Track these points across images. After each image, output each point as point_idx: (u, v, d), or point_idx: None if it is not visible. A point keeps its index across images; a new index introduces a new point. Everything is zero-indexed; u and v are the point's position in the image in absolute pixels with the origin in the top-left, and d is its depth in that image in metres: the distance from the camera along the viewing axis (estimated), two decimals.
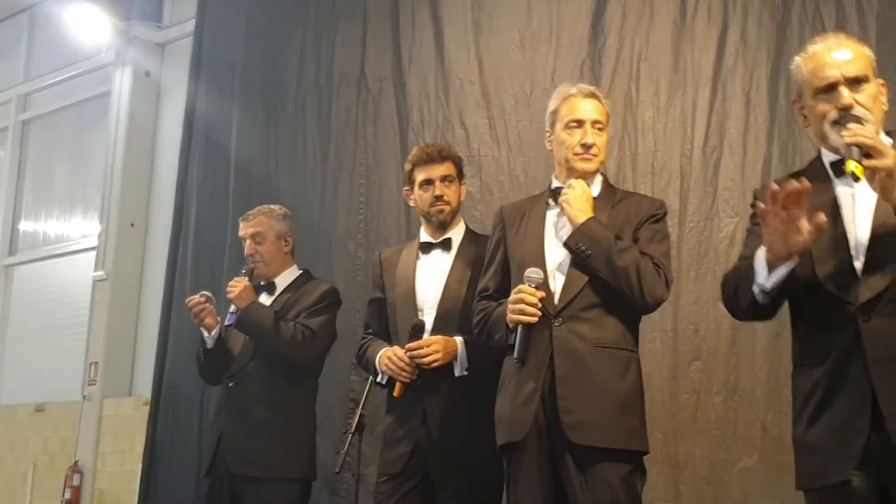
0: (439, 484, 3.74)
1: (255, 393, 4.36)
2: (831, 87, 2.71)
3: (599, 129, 3.50)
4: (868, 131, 2.53)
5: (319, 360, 4.48)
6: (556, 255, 3.41)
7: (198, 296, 4.45)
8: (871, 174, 2.46)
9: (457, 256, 3.95)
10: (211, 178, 6.85)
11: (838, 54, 2.74)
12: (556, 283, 3.35)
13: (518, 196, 5.21)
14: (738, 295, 2.75)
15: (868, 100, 2.70)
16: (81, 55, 8.60)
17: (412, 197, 4.06)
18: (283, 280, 4.55)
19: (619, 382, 3.28)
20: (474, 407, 3.67)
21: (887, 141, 2.61)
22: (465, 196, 4.10)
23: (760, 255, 2.63)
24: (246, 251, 4.53)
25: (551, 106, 3.58)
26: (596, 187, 3.53)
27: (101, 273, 7.83)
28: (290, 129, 6.38)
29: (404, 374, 3.76)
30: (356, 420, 4.45)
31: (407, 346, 3.77)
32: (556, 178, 3.56)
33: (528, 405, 3.27)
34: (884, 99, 2.77)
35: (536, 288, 3.28)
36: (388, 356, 3.82)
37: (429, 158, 4.00)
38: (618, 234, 3.36)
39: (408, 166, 4.06)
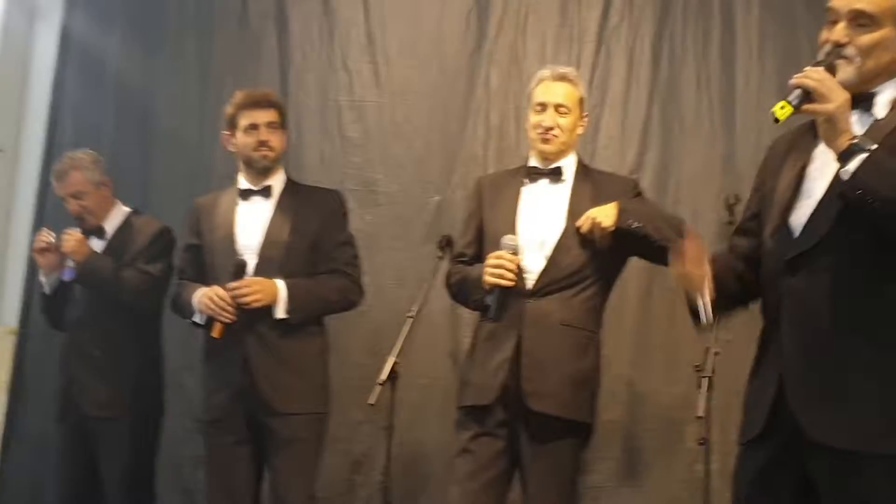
0: (264, 426, 3.83)
1: (97, 337, 4.33)
2: (832, 17, 2.48)
3: (564, 113, 3.69)
4: (819, 73, 2.35)
5: (161, 303, 4.43)
6: (530, 232, 3.61)
7: (43, 234, 4.35)
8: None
9: (278, 204, 3.98)
10: (87, 105, 6.59)
11: None
12: (529, 262, 3.57)
13: (397, 143, 5.22)
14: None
15: (869, 42, 2.44)
16: None
17: (232, 142, 4.04)
18: (112, 223, 4.51)
19: (578, 359, 3.56)
20: (294, 351, 3.83)
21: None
22: (287, 145, 4.13)
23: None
24: (72, 212, 4.45)
25: (529, 88, 3.82)
26: (571, 168, 3.73)
27: None
28: (169, 62, 6.16)
29: (226, 313, 3.77)
30: None
31: (228, 285, 3.79)
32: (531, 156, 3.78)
33: (498, 373, 3.53)
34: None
35: (513, 254, 3.50)
36: (209, 295, 3.83)
37: (255, 103, 4.01)
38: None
39: (230, 110, 4.05)
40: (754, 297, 2.66)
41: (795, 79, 2.36)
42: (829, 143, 2.36)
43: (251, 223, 3.96)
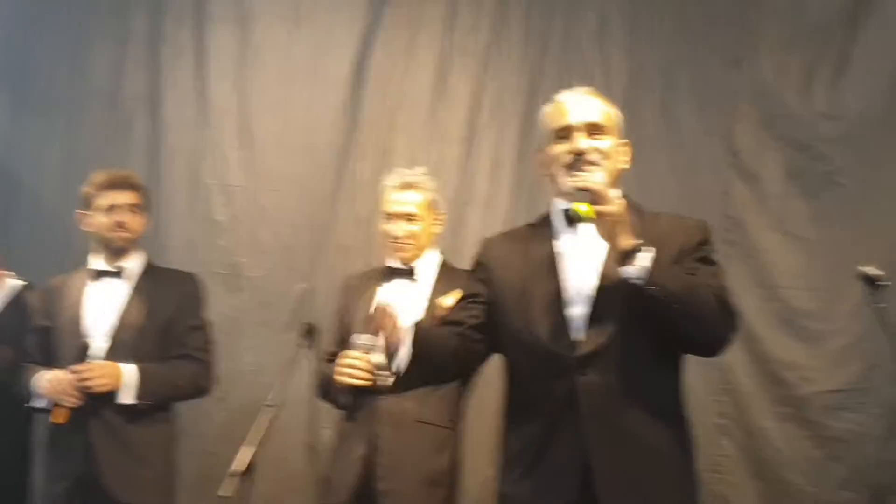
0: None
1: None
2: (568, 131, 2.69)
3: (414, 220, 3.80)
4: (596, 178, 2.53)
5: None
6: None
7: None
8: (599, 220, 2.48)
9: (136, 286, 3.93)
10: None
11: (580, 102, 2.74)
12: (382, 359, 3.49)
13: (266, 230, 5.22)
14: None
15: (606, 149, 2.68)
16: None
17: (88, 221, 4.00)
18: None
19: (434, 457, 3.55)
20: (139, 438, 3.73)
21: (616, 194, 2.60)
22: (146, 228, 4.07)
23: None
24: None
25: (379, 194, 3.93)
26: (430, 266, 3.82)
27: None
28: (36, 133, 6.07)
29: (69, 397, 3.66)
30: None
31: (71, 368, 3.69)
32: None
33: (351, 470, 3.51)
34: (625, 158, 2.76)
35: (367, 353, 3.43)
36: (49, 378, 3.72)
37: (114, 184, 3.98)
38: None
39: (88, 189, 4.02)
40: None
41: (577, 182, 2.52)
42: (611, 242, 2.51)
43: (101, 305, 3.89)
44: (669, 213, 2.75)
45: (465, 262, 4.68)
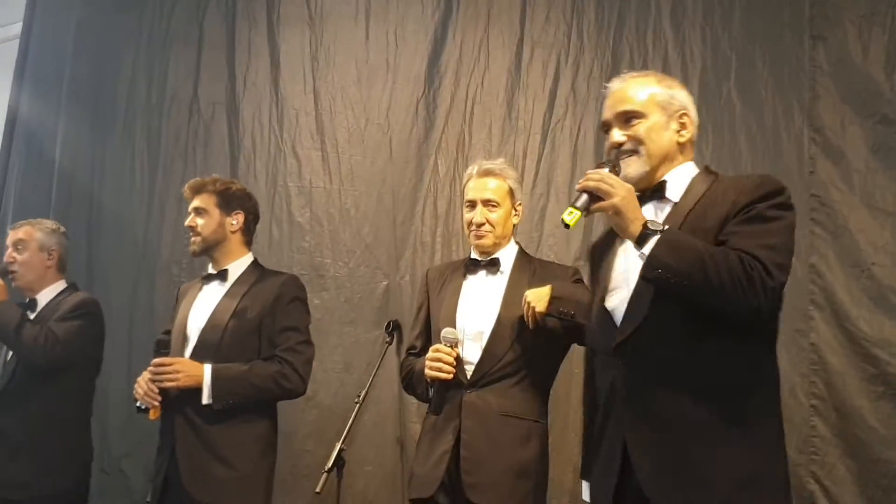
0: None
1: (16, 416, 4.28)
2: (608, 126, 2.81)
3: (493, 207, 3.76)
4: (597, 174, 2.59)
5: (63, 364, 4.33)
6: (469, 324, 3.64)
7: None
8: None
9: (231, 287, 3.99)
10: (31, 186, 6.61)
11: (612, 93, 2.84)
12: (469, 353, 3.60)
13: (347, 228, 5.27)
14: None
15: (642, 133, 2.74)
16: None
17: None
18: (45, 296, 4.51)
19: (518, 449, 3.53)
20: (222, 438, 3.74)
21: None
22: (234, 227, 4.07)
23: None
24: (5, 258, 4.49)
25: (462, 184, 3.94)
26: (510, 258, 3.79)
27: None
28: (118, 147, 6.22)
29: (147, 397, 3.75)
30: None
31: (153, 361, 3.78)
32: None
33: (439, 465, 3.52)
34: (676, 127, 2.80)
35: (452, 347, 3.52)
36: (138, 381, 3.82)
37: (189, 190, 4.08)
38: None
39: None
40: None
41: (578, 184, 2.60)
42: (624, 234, 2.59)
43: (202, 307, 3.97)
44: (745, 174, 2.74)
45: (545, 254, 4.73)
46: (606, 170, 2.63)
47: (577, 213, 2.53)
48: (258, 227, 4.93)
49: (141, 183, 6.05)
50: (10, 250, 4.47)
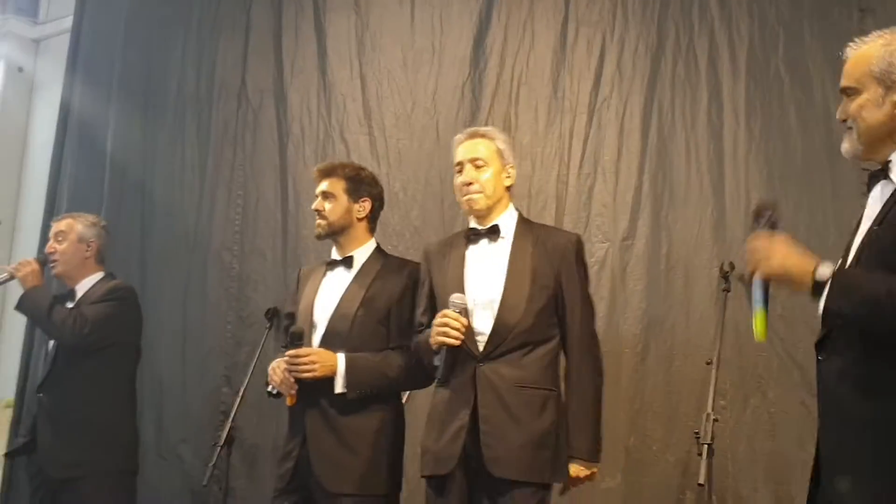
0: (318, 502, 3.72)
1: (63, 397, 4.38)
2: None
3: (481, 166, 3.64)
4: (750, 244, 2.54)
5: (93, 345, 4.39)
6: (478, 293, 3.55)
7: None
8: None
9: (357, 274, 3.92)
10: (84, 178, 6.71)
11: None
12: (479, 324, 3.51)
13: (395, 212, 5.29)
14: None
15: (855, 107, 2.59)
16: None
17: None
18: (84, 286, 4.57)
19: (535, 420, 3.47)
20: (353, 428, 3.72)
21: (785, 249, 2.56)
22: (361, 214, 3.99)
23: None
24: (47, 247, 4.63)
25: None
26: (510, 224, 3.69)
27: None
28: (168, 136, 6.30)
29: (284, 386, 3.73)
30: (225, 433, 4.54)
31: (287, 353, 3.74)
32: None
33: (456, 440, 3.45)
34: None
35: (460, 313, 3.43)
36: (273, 367, 3.79)
37: (316, 174, 4.05)
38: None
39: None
40: None
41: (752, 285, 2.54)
42: (798, 290, 2.51)
43: (329, 294, 3.91)
44: None
45: (593, 234, 4.72)
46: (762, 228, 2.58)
47: (762, 313, 2.51)
48: (308, 212, 4.98)
49: (191, 172, 6.12)
50: (51, 241, 4.60)
